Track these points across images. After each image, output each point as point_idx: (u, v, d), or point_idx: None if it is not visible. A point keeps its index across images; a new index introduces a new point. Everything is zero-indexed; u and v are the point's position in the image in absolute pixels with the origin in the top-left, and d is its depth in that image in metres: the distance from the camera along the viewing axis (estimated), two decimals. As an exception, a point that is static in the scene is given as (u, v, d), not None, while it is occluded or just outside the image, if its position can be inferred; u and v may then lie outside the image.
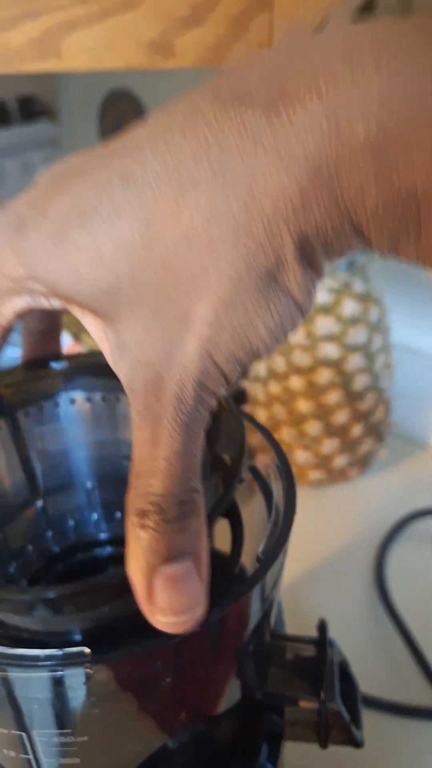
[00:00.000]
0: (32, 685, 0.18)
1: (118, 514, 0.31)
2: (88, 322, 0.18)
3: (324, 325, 0.52)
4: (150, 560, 0.17)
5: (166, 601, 0.17)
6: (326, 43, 0.15)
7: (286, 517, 0.22)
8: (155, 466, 0.17)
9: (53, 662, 0.17)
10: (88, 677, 0.18)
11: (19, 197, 0.19)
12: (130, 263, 0.16)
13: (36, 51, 0.29)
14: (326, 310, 0.52)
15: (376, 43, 0.15)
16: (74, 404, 0.28)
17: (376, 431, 0.57)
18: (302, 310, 0.17)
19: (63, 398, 0.28)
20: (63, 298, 0.18)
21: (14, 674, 0.18)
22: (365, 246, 0.16)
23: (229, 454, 0.23)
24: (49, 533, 0.30)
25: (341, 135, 0.14)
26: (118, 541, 0.31)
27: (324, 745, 0.26)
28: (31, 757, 0.20)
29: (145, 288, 0.16)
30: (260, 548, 0.22)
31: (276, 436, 0.27)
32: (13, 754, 0.20)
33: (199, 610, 0.17)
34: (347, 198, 0.15)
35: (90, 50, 0.29)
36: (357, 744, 0.26)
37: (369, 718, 0.28)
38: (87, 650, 0.18)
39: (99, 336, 0.18)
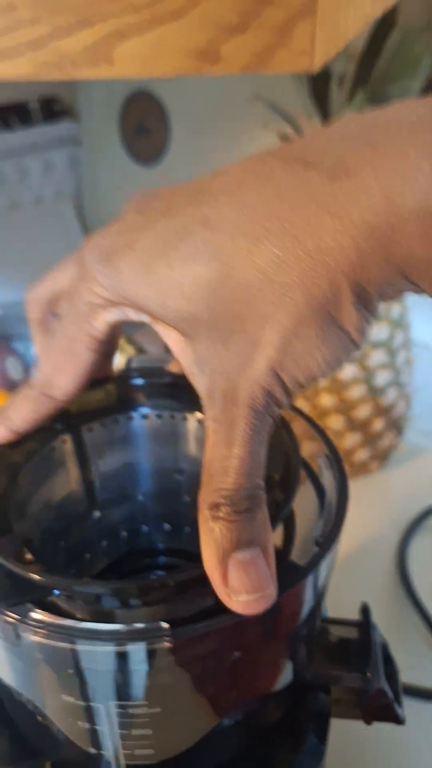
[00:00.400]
0: (114, 659, 0.20)
1: (166, 526, 0.32)
2: (171, 338, 0.21)
3: (347, 321, 0.53)
4: (223, 547, 0.18)
5: (240, 582, 0.18)
6: (378, 122, 0.18)
7: (339, 505, 0.23)
8: (229, 464, 0.19)
9: (136, 636, 0.19)
10: (167, 651, 0.19)
11: (110, 227, 0.22)
12: (207, 297, 0.19)
13: (89, 58, 0.30)
14: (350, 307, 0.53)
15: (420, 123, 0.17)
16: (145, 419, 0.30)
17: (397, 425, 0.59)
18: (356, 345, 0.20)
19: (131, 414, 0.30)
20: (149, 317, 0.20)
21: (100, 648, 0.19)
22: (419, 291, 0.18)
23: (283, 466, 0.24)
24: (104, 542, 0.31)
25: (392, 205, 0.17)
26: (166, 552, 0.32)
27: (369, 722, 0.27)
28: (104, 728, 0.21)
29: (220, 317, 0.19)
30: (317, 535, 0.23)
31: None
32: (87, 725, 0.22)
33: (270, 591, 0.19)
34: (398, 256, 0.18)
35: (140, 57, 0.30)
36: (399, 721, 0.27)
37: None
38: (166, 625, 0.19)
39: (179, 350, 0.20)
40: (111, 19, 0.29)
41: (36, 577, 0.20)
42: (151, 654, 0.19)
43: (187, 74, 0.31)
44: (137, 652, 0.19)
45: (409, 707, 0.40)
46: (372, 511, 0.57)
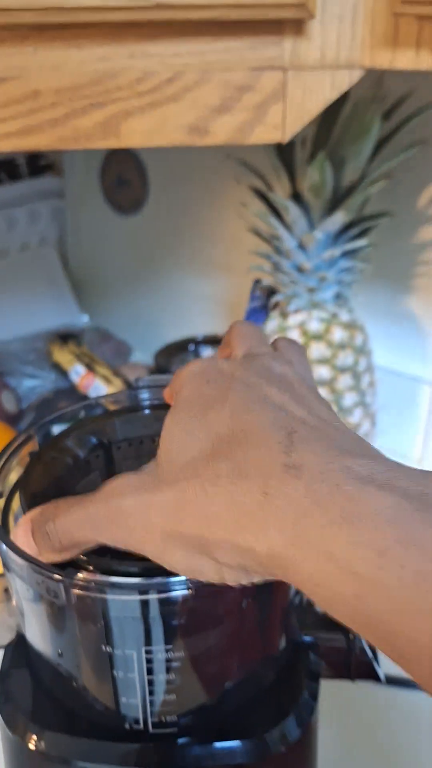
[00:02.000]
0: (145, 607, 0.24)
1: None
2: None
3: (317, 350, 0.60)
4: None
5: None
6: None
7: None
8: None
9: (163, 586, 0.24)
10: (188, 598, 0.24)
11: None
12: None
13: (100, 133, 0.37)
14: (318, 337, 0.60)
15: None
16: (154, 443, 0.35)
17: (363, 444, 0.65)
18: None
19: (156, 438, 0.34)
20: None
21: (133, 597, 0.24)
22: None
23: None
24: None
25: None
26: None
27: (353, 679, 0.32)
28: (136, 675, 0.26)
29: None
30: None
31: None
32: (122, 674, 0.26)
33: None
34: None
35: (142, 132, 0.37)
36: (379, 679, 0.32)
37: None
38: (186, 577, 0.24)
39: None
40: (119, 102, 0.36)
41: (82, 557, 0.25)
42: (174, 602, 0.24)
43: (181, 145, 0.37)
44: (165, 600, 0.24)
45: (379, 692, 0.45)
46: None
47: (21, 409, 0.70)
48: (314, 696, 0.31)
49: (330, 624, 0.33)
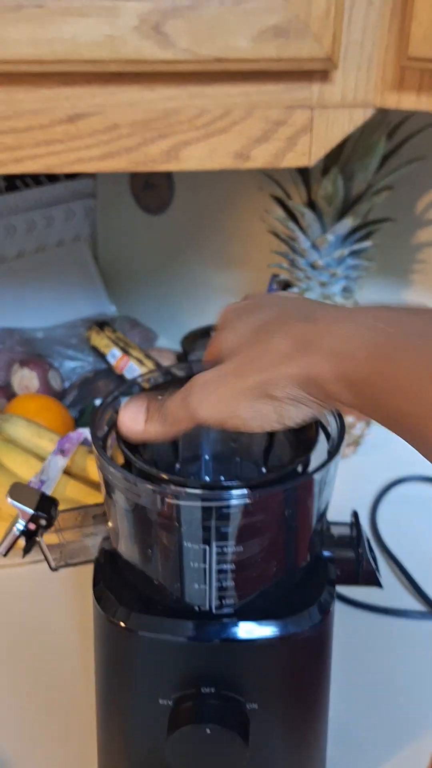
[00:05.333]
0: (214, 512, 0.34)
1: (222, 478, 0.46)
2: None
3: (327, 336, 0.69)
4: None
5: None
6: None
7: (339, 434, 0.38)
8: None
9: (231, 497, 0.33)
10: (249, 506, 0.33)
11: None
12: None
13: (164, 158, 0.46)
14: (328, 325, 0.69)
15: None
16: None
17: (366, 418, 0.74)
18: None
19: None
20: None
21: (206, 504, 0.33)
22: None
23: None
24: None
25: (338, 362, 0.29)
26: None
27: (360, 584, 0.42)
28: (207, 566, 0.35)
29: None
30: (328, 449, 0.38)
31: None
32: (196, 564, 0.36)
33: None
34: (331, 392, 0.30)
35: (197, 158, 0.46)
36: (380, 585, 0.42)
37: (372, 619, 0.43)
38: (248, 491, 0.33)
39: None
40: (180, 134, 0.45)
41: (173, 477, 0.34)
42: (239, 507, 0.33)
43: (227, 169, 0.46)
44: (232, 507, 0.33)
45: (377, 621, 0.54)
46: (349, 485, 0.72)
47: (64, 387, 0.79)
48: (331, 594, 0.41)
49: (343, 543, 0.42)
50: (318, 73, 0.44)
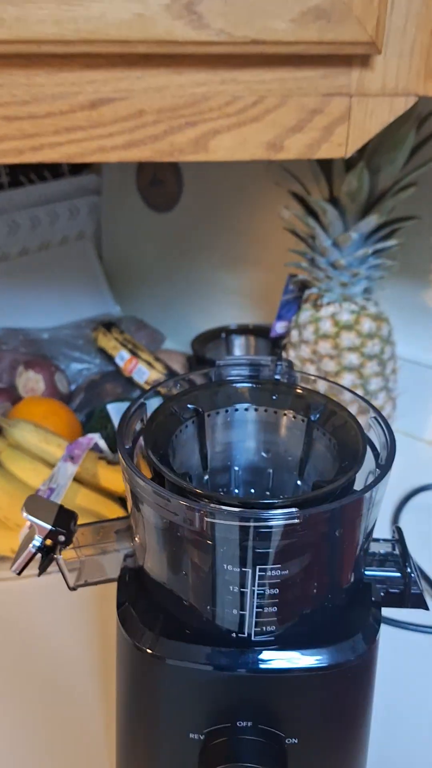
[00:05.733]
0: (252, 532, 0.31)
1: (252, 491, 0.43)
2: None
3: (347, 338, 0.66)
4: None
5: None
6: None
7: (390, 448, 0.35)
8: None
9: (277, 517, 0.30)
10: (296, 526, 0.31)
11: None
12: None
13: (192, 147, 0.43)
14: (349, 327, 0.66)
15: None
16: (246, 412, 0.41)
17: (385, 425, 0.71)
18: None
19: (237, 407, 0.41)
20: None
21: (256, 524, 0.30)
22: None
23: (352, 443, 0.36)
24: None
25: None
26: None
27: (407, 606, 0.39)
28: (246, 589, 0.32)
29: None
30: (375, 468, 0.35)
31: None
32: (234, 588, 0.33)
33: None
34: None
35: (227, 148, 0.43)
36: (427, 607, 0.39)
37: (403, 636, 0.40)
38: (296, 509, 0.30)
39: None
40: (210, 122, 0.42)
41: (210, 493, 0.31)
42: (284, 528, 0.30)
43: (259, 159, 0.43)
44: (277, 527, 0.30)
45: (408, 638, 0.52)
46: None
47: (70, 390, 0.76)
48: (377, 620, 0.38)
49: (389, 562, 0.39)
50: (359, 58, 0.41)
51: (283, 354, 0.73)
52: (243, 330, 0.84)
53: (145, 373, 0.76)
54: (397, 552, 0.39)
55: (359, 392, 0.67)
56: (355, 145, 0.44)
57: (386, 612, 0.54)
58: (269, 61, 0.41)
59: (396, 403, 0.72)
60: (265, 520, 0.31)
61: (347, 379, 0.67)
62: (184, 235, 0.90)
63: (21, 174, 0.84)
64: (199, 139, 0.42)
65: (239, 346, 0.84)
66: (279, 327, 0.75)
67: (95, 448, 0.64)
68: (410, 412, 0.77)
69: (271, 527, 0.31)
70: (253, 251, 0.85)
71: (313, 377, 0.42)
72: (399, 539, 0.40)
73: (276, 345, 0.77)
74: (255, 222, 0.83)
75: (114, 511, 0.60)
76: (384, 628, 0.54)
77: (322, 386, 0.42)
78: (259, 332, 0.84)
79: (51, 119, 0.40)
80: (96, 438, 0.63)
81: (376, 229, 0.64)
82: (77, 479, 0.62)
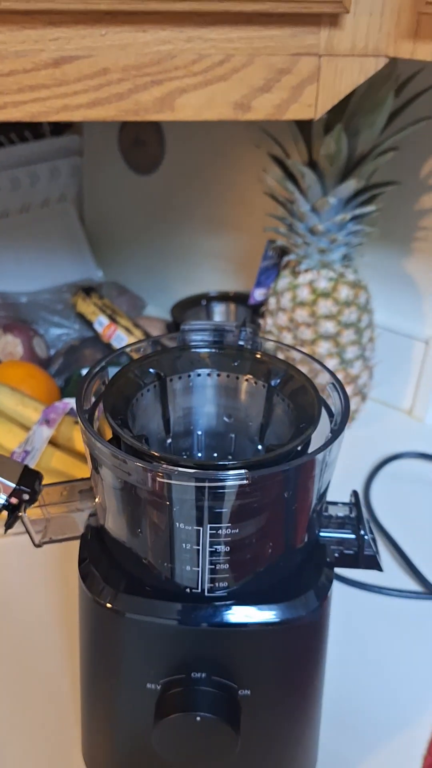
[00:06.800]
0: (208, 492, 0.31)
1: (215, 455, 0.44)
2: None
3: (324, 306, 0.66)
4: None
5: None
6: None
7: (344, 413, 0.36)
8: None
9: (227, 477, 0.31)
10: (245, 486, 0.31)
11: None
12: None
13: (158, 106, 0.42)
14: (326, 294, 0.66)
15: None
16: (208, 377, 0.41)
17: (362, 392, 0.72)
18: None
19: (199, 372, 0.41)
20: None
21: (208, 484, 0.31)
22: None
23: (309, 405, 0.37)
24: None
25: None
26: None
27: (361, 567, 0.40)
28: (200, 547, 0.33)
29: None
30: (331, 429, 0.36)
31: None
32: (189, 546, 0.33)
33: None
34: None
35: (194, 107, 0.42)
36: (380, 569, 0.40)
37: (364, 597, 0.42)
38: (245, 471, 0.31)
39: None
40: (175, 80, 0.41)
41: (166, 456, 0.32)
42: (236, 488, 0.31)
43: (226, 119, 0.43)
44: (229, 487, 0.31)
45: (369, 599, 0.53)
46: (342, 462, 0.70)
47: (49, 355, 0.76)
48: (329, 579, 0.39)
49: (342, 524, 0.40)
50: (327, 17, 0.40)
51: (261, 322, 0.73)
52: (223, 297, 0.84)
53: (123, 339, 0.76)
54: (353, 515, 0.40)
55: (335, 360, 0.68)
56: (324, 106, 0.43)
57: (347, 573, 0.56)
58: (236, 19, 0.40)
59: (372, 372, 0.73)
60: (217, 480, 0.31)
61: (323, 347, 0.67)
62: (167, 198, 0.90)
63: (1, 134, 0.83)
64: (164, 98, 0.42)
65: (219, 313, 0.84)
66: (258, 294, 0.75)
67: (71, 412, 0.64)
68: (387, 381, 0.77)
69: (222, 488, 0.31)
70: (235, 215, 0.84)
71: (273, 343, 0.42)
72: (355, 503, 0.40)
73: (256, 312, 0.77)
74: (237, 185, 0.82)
75: (88, 473, 0.61)
76: (345, 590, 0.56)
77: (282, 354, 0.42)
78: (240, 299, 0.84)
79: (14, 77, 0.40)
80: (72, 403, 0.64)
81: (355, 195, 0.63)
82: (53, 443, 0.63)
